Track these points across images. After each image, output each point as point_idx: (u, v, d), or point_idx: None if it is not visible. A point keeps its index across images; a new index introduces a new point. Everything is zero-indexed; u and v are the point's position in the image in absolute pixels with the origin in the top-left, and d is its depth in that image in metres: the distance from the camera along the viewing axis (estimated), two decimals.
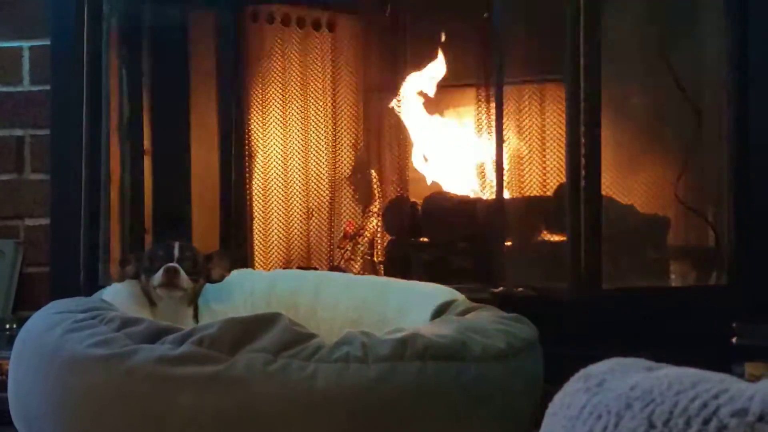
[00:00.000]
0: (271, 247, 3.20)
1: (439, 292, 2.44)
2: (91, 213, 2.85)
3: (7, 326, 2.91)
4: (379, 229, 3.20)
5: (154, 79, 3.07)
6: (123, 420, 1.77)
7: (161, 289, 2.35)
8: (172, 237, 2.53)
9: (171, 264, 2.36)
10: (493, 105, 2.86)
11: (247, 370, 1.72)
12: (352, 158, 3.26)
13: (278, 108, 3.23)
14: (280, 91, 3.24)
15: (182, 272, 2.35)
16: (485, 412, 1.85)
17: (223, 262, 2.53)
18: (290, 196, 3.22)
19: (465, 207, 3.01)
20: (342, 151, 3.25)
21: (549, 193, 2.86)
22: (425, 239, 3.10)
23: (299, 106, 3.24)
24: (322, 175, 3.24)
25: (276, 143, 3.22)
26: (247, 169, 3.18)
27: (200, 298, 2.50)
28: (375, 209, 3.21)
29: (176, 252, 2.40)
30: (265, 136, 3.22)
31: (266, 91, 3.23)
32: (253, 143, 3.21)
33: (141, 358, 1.77)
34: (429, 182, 3.24)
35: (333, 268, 3.13)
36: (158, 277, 2.34)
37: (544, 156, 2.87)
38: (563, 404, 1.04)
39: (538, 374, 2.04)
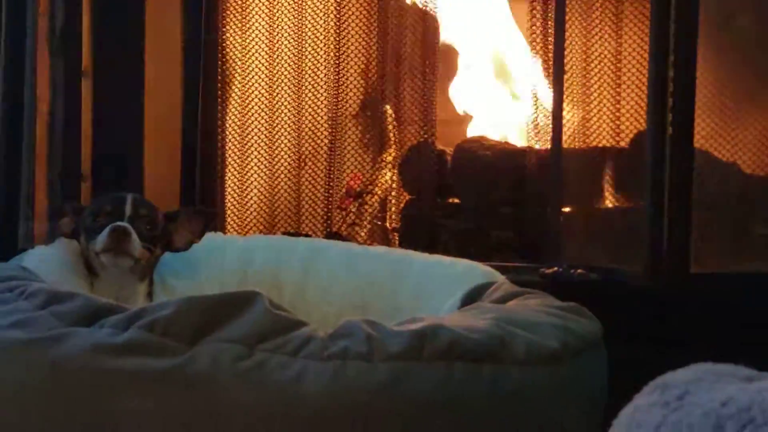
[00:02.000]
0: (248, 204, 3.21)
1: (472, 272, 2.44)
2: (10, 152, 2.86)
3: None
4: (394, 186, 3.21)
5: None
6: (46, 426, 1.79)
7: (105, 256, 2.36)
8: (120, 187, 2.54)
9: (120, 223, 2.36)
10: (551, 24, 2.85)
11: (213, 365, 1.73)
12: (361, 87, 3.26)
13: (263, 16, 3.22)
14: None
15: (134, 235, 2.36)
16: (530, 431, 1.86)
17: (191, 225, 2.54)
18: (276, 136, 3.23)
19: (510, 159, 3.02)
20: (347, 77, 3.24)
21: (623, 144, 2.86)
22: (455, 200, 3.11)
23: (290, 13, 3.23)
24: (319, 110, 3.24)
25: (259, 64, 3.22)
26: (220, 99, 3.18)
27: (155, 271, 2.52)
28: (389, 158, 3.22)
29: (128, 208, 2.41)
30: (243, 54, 3.22)
31: None
32: (227, 63, 3.21)
33: (72, 346, 1.78)
34: (463, 124, 3.24)
35: (330, 235, 3.14)
36: (102, 239, 2.35)
37: (618, 93, 2.87)
38: (633, 422, 1.05)
39: (601, 383, 2.05)
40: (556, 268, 2.68)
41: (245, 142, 3.21)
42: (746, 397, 0.96)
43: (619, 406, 1.13)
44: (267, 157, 3.21)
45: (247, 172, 3.21)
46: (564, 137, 2.84)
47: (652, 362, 1.37)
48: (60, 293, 1.93)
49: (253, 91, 3.21)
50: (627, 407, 1.10)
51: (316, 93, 3.23)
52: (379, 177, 3.22)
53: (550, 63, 2.85)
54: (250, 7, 3.21)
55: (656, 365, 1.22)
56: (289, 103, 3.22)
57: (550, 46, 2.88)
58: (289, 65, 3.22)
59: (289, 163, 3.22)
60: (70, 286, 2.17)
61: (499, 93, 3.20)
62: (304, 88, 3.23)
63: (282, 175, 3.22)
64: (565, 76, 2.83)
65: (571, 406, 1.94)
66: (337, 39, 3.22)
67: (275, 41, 3.23)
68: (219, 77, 3.18)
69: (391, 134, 3.22)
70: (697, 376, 1.07)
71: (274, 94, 3.22)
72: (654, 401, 1.05)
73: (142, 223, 2.41)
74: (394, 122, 3.22)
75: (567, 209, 2.87)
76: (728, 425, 0.94)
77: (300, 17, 3.23)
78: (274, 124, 3.22)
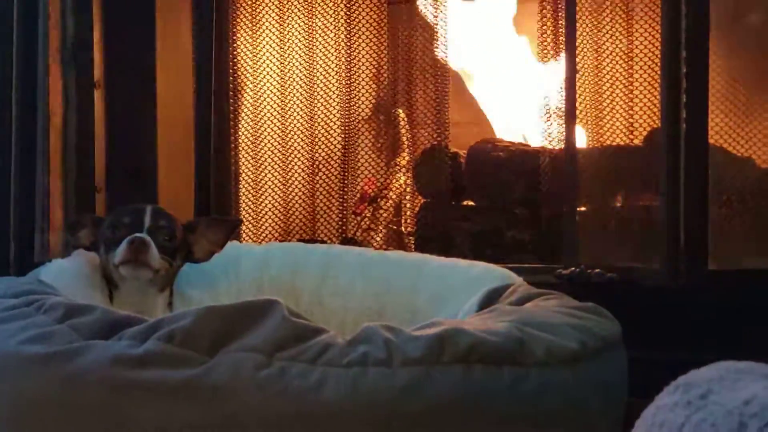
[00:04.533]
0: (263, 212, 3.21)
1: (489, 274, 2.44)
2: (25, 165, 2.87)
3: None
4: (408, 189, 3.20)
5: None
6: None
7: (124, 267, 2.36)
8: (134, 197, 2.53)
9: (138, 235, 2.36)
10: (563, 22, 2.85)
11: (232, 375, 1.73)
12: (373, 92, 3.26)
13: (274, 24, 3.23)
14: (276, 0, 3.23)
15: (153, 246, 2.35)
16: None
17: (211, 234, 2.53)
18: (289, 143, 3.23)
19: (524, 160, 3.01)
20: (359, 82, 3.24)
21: (637, 142, 2.85)
22: (470, 203, 3.10)
23: (302, 21, 3.24)
24: (331, 115, 3.24)
25: (270, 71, 3.22)
26: (232, 107, 3.19)
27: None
28: (403, 162, 3.21)
29: (147, 219, 2.40)
30: (255, 62, 3.22)
31: (257, 0, 3.22)
32: (239, 72, 3.21)
33: (91, 359, 1.79)
34: (476, 126, 3.23)
35: (346, 240, 3.14)
36: (121, 250, 2.35)
37: (632, 91, 2.86)
38: (655, 422, 1.05)
39: (621, 383, 2.04)
40: (573, 269, 2.68)
41: (258, 149, 3.21)
42: None
43: (640, 406, 1.13)
44: (280, 164, 3.21)
45: (261, 179, 3.21)
46: (577, 136, 2.83)
47: (672, 361, 1.36)
48: (78, 306, 1.94)
49: (265, 98, 3.21)
50: (649, 407, 1.10)
51: (328, 98, 3.23)
52: (394, 181, 3.22)
53: (563, 63, 2.84)
54: (261, 15, 3.21)
55: (677, 364, 1.21)
56: (301, 110, 3.22)
57: (562, 45, 2.87)
58: (301, 71, 3.23)
59: (303, 170, 3.22)
60: (89, 300, 2.17)
61: (514, 90, 3.19)
62: (316, 93, 3.23)
63: (296, 182, 3.22)
64: (577, 75, 2.82)
65: (591, 406, 1.94)
66: (348, 43, 3.22)
67: (286, 48, 3.23)
68: (231, 85, 3.18)
69: (404, 138, 3.22)
70: (719, 374, 1.07)
71: (286, 100, 3.23)
72: (676, 401, 1.05)
73: (162, 234, 2.40)
74: (407, 126, 3.22)
75: (582, 209, 2.86)
76: (751, 423, 0.93)
77: (310, 23, 3.23)
78: (287, 131, 3.22)
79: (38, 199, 2.87)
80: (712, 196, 2.55)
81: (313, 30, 3.23)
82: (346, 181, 3.21)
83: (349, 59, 3.22)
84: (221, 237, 2.53)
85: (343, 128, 3.22)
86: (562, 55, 2.85)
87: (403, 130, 3.22)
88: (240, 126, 3.20)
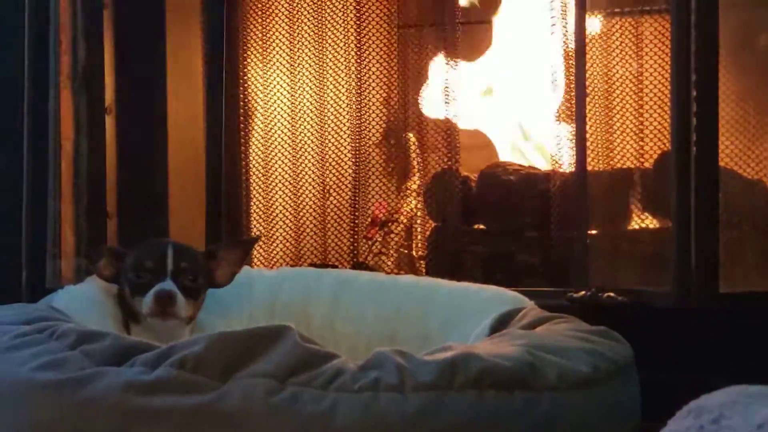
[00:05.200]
0: (274, 237, 3.21)
1: (500, 298, 2.44)
2: (36, 191, 2.87)
3: None
4: (419, 213, 3.20)
5: (120, 10, 3.09)
6: None
7: (152, 319, 2.37)
8: (146, 224, 2.52)
9: (165, 287, 2.36)
10: (572, 46, 2.85)
11: (245, 401, 1.73)
12: (384, 117, 3.26)
13: (284, 49, 3.23)
14: (286, 26, 3.24)
15: (179, 297, 2.36)
16: None
17: (232, 256, 2.54)
18: (300, 168, 3.23)
19: (534, 183, 3.01)
20: (370, 107, 3.25)
21: (647, 165, 2.85)
22: (481, 227, 3.10)
23: (312, 47, 3.24)
24: (342, 140, 3.25)
25: (281, 96, 3.23)
26: (243, 132, 3.19)
27: None
28: (414, 186, 3.21)
29: (169, 262, 2.39)
30: (266, 87, 3.23)
31: (268, 26, 3.23)
32: (250, 97, 3.22)
33: (103, 385, 1.79)
34: (487, 150, 3.23)
35: (357, 265, 3.13)
36: (148, 303, 2.36)
37: (641, 114, 2.86)
38: None
39: (634, 407, 2.04)
40: (584, 292, 2.67)
41: (269, 174, 3.22)
42: None
43: (652, 430, 1.13)
44: (291, 189, 3.22)
45: (272, 204, 3.21)
46: (588, 159, 2.83)
47: (684, 385, 1.36)
48: (90, 332, 1.94)
49: (275, 123, 3.22)
50: (662, 431, 1.10)
51: (338, 123, 3.23)
52: (404, 205, 3.22)
53: (573, 87, 2.84)
54: (271, 39, 3.22)
55: (689, 388, 1.21)
56: (312, 134, 3.22)
57: (572, 69, 2.88)
58: (311, 96, 3.23)
59: (314, 194, 3.22)
60: (102, 326, 2.18)
61: (524, 114, 3.19)
62: (326, 118, 3.23)
63: (307, 207, 3.22)
64: (587, 98, 2.82)
65: (604, 430, 1.93)
66: (359, 68, 3.22)
67: (296, 73, 3.23)
68: (242, 110, 3.19)
69: (415, 162, 3.22)
70: (732, 398, 1.07)
71: (297, 125, 3.23)
72: (689, 425, 1.05)
73: (185, 276, 2.40)
74: (418, 150, 3.22)
75: (593, 232, 2.86)
76: None
77: (321, 48, 3.24)
78: (298, 156, 3.23)
79: (50, 225, 2.87)
80: (722, 219, 2.55)
81: (323, 54, 3.24)
82: (357, 206, 3.21)
83: (359, 83, 3.22)
84: (240, 257, 2.55)
85: (353, 153, 3.22)
86: (572, 78, 2.86)
87: (413, 154, 3.22)
88: (251, 151, 3.21)
